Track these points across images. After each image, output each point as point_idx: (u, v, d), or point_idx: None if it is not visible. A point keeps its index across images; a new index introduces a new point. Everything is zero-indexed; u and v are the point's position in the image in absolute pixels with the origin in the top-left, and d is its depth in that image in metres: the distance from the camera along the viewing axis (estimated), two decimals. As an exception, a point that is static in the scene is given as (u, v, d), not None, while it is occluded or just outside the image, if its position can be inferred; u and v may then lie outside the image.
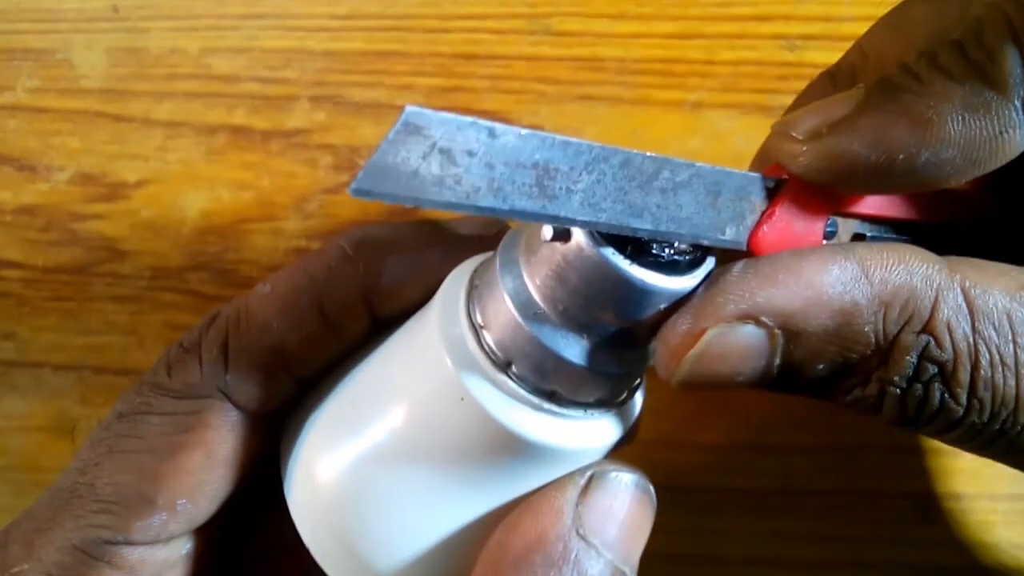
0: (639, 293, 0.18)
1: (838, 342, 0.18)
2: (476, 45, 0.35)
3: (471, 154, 0.16)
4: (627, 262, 0.18)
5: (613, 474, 0.21)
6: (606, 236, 0.18)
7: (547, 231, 0.18)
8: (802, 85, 0.26)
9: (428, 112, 0.15)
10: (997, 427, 0.18)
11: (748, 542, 0.33)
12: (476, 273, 0.21)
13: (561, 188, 0.17)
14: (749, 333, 0.18)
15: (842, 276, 0.18)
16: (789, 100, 0.26)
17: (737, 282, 0.18)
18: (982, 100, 0.18)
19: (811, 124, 0.19)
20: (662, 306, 0.19)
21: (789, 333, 0.18)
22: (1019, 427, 0.18)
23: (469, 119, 0.16)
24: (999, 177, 0.22)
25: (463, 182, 0.16)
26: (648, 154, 0.18)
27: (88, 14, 0.36)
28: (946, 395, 0.18)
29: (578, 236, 0.18)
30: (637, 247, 0.18)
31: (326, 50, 0.35)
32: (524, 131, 0.16)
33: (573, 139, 0.17)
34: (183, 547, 0.24)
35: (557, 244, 0.18)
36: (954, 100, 0.18)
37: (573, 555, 0.20)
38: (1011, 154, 0.18)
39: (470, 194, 0.16)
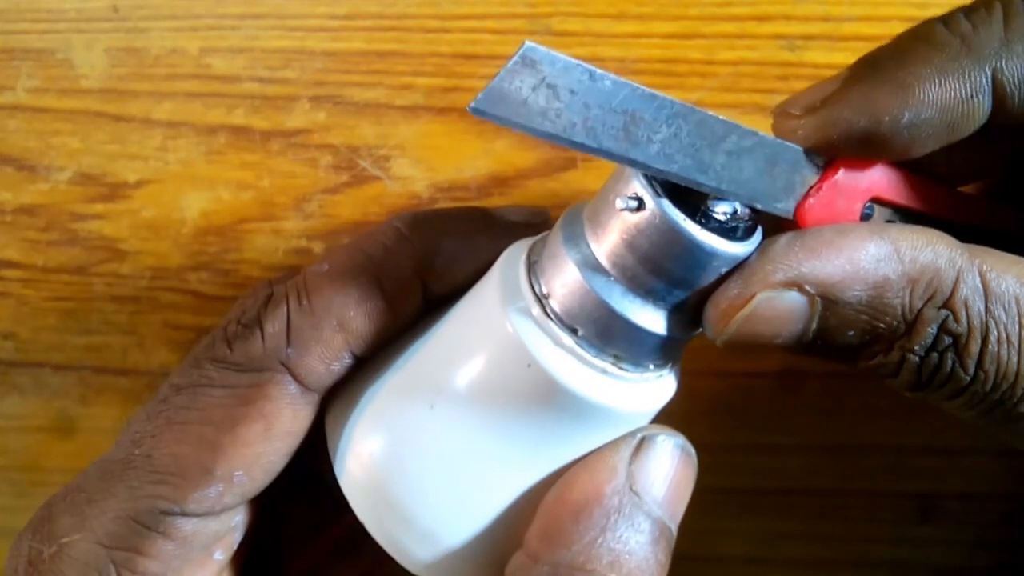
0: (706, 256, 0.20)
1: (870, 312, 0.20)
2: (476, 45, 0.35)
3: (573, 92, 0.18)
4: (697, 227, 0.20)
5: (661, 437, 0.23)
6: (677, 205, 0.20)
7: (619, 202, 0.20)
8: (802, 85, 0.26)
9: (542, 49, 0.17)
10: (997, 397, 0.20)
11: (748, 542, 0.33)
12: (532, 250, 0.23)
13: (643, 136, 0.19)
14: (793, 299, 0.20)
15: (877, 253, 0.20)
16: (789, 100, 0.26)
17: (785, 252, 0.20)
18: (957, 65, 0.20)
19: (807, 100, 0.21)
20: (722, 270, 0.21)
21: (827, 301, 0.20)
22: (1015, 400, 0.20)
23: (575, 61, 0.18)
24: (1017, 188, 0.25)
25: (563, 116, 0.18)
26: (721, 117, 0.20)
27: (88, 14, 0.36)
28: (957, 364, 0.20)
29: (651, 205, 0.20)
30: (704, 215, 0.20)
31: (326, 50, 0.35)
32: (619, 79, 0.19)
33: (659, 93, 0.19)
34: (233, 519, 0.24)
35: (627, 214, 0.20)
36: (931, 65, 0.20)
37: (627, 509, 0.21)
38: (977, 123, 0.20)
39: (567, 128, 0.18)
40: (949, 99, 0.20)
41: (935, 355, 0.20)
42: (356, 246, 0.25)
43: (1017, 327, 0.20)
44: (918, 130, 0.20)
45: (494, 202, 0.34)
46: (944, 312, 0.20)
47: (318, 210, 0.35)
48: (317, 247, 0.35)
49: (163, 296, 0.35)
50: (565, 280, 0.21)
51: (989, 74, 0.20)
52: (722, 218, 0.20)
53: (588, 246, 0.21)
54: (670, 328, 0.21)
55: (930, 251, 0.20)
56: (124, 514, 0.22)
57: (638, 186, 0.20)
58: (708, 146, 0.20)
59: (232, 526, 0.24)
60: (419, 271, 0.24)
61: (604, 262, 0.21)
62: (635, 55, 0.34)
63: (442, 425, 0.22)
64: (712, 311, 0.21)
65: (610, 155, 0.19)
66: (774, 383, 0.33)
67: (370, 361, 0.25)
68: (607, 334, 0.21)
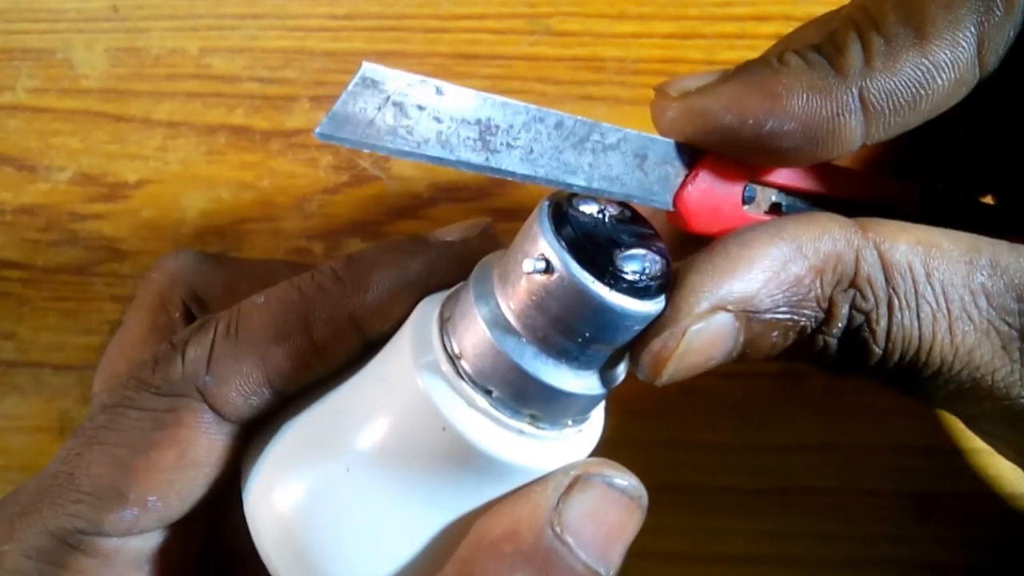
0: (618, 317, 0.20)
1: (789, 310, 0.21)
2: (476, 45, 0.35)
3: (421, 108, 0.18)
4: (606, 289, 0.19)
5: (598, 477, 0.21)
6: (585, 266, 0.19)
7: (527, 264, 0.19)
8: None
9: (383, 68, 0.17)
10: (906, 367, 0.21)
11: (748, 541, 0.33)
12: (445, 305, 0.22)
13: (502, 143, 0.19)
14: (721, 321, 0.20)
15: (783, 256, 0.20)
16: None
17: (702, 280, 0.20)
18: (825, 83, 0.20)
19: (683, 85, 0.22)
20: (636, 328, 0.20)
21: (749, 313, 0.21)
22: (921, 365, 0.21)
23: (419, 76, 0.18)
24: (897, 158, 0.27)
25: (414, 133, 0.18)
26: (579, 117, 0.20)
27: (88, 14, 0.36)
28: (870, 340, 0.21)
29: (559, 267, 0.19)
30: (613, 276, 0.19)
31: (326, 50, 0.35)
32: (468, 90, 0.18)
33: (511, 100, 0.19)
34: (158, 539, 0.24)
35: (537, 276, 0.20)
36: (802, 80, 0.20)
37: (544, 549, 0.20)
38: (848, 142, 0.21)
39: (420, 144, 0.18)
40: (814, 114, 0.20)
41: (850, 335, 0.21)
42: (294, 283, 0.24)
43: (914, 294, 0.21)
44: (780, 139, 0.21)
45: (493, 202, 0.34)
46: (852, 292, 0.21)
47: (318, 210, 0.35)
48: (317, 247, 0.35)
49: (163, 296, 0.35)
50: (476, 341, 0.20)
51: (856, 94, 0.20)
52: (632, 277, 0.19)
53: (499, 306, 0.20)
54: (586, 387, 0.21)
55: (828, 239, 0.21)
56: (47, 530, 0.22)
57: (545, 246, 0.19)
58: (571, 147, 0.19)
59: (160, 545, 0.24)
60: (353, 312, 0.24)
61: (515, 323, 0.20)
62: (635, 55, 0.34)
63: (358, 488, 0.21)
64: (646, 359, 0.20)
65: (471, 166, 0.18)
66: (774, 383, 0.33)
67: (294, 400, 0.24)
68: (522, 396, 0.20)
